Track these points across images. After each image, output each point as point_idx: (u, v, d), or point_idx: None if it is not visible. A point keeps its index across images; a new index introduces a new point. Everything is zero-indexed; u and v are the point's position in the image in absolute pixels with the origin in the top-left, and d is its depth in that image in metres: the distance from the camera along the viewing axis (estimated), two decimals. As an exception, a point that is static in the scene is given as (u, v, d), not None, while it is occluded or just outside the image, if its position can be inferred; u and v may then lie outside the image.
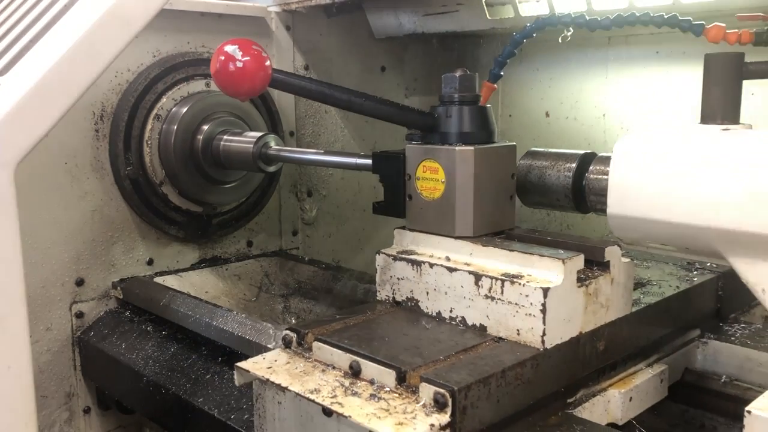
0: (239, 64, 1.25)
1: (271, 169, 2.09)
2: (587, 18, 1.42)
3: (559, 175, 1.42)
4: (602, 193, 1.32)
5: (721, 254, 1.17)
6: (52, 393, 2.06)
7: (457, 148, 1.36)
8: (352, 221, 2.78)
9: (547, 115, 2.70)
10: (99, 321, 2.10)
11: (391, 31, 2.67)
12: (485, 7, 2.31)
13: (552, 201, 1.45)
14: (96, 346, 2.01)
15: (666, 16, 1.33)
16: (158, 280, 2.17)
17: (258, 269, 2.43)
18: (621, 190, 1.24)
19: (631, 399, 1.36)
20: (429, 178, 1.40)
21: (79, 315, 2.07)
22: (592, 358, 1.31)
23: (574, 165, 1.41)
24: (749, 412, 0.98)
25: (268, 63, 1.28)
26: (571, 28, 1.47)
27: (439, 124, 1.41)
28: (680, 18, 1.32)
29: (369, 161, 1.62)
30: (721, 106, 1.24)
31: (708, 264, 1.71)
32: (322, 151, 2.03)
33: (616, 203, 1.25)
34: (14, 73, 1.10)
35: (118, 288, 2.11)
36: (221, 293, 2.30)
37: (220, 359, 1.74)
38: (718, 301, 1.67)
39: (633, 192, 1.22)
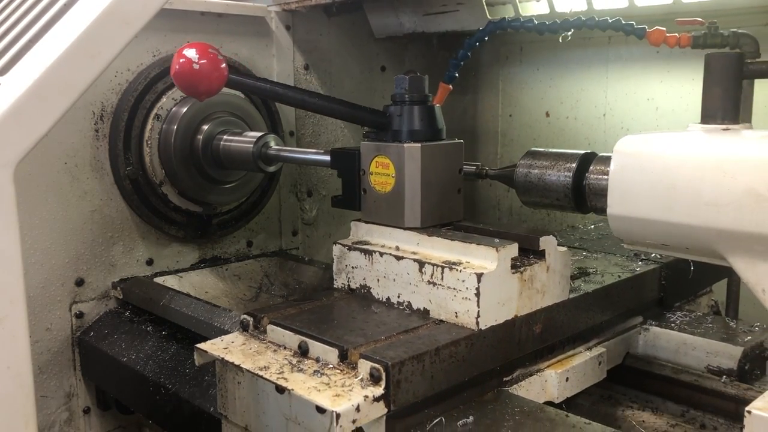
0: (196, 66, 1.36)
1: (271, 169, 2.09)
2: (535, 22, 1.46)
3: (559, 175, 1.42)
4: (602, 193, 1.32)
5: (721, 254, 1.17)
6: (52, 393, 2.06)
7: (405, 144, 1.45)
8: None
9: (547, 115, 2.70)
10: (99, 321, 2.09)
11: (391, 30, 2.67)
12: (485, 6, 2.31)
13: (552, 201, 1.45)
14: (96, 346, 2.01)
15: (610, 20, 1.38)
16: (158, 280, 2.17)
17: (258, 269, 2.43)
18: (621, 190, 1.24)
19: (567, 379, 1.45)
20: (381, 173, 1.49)
21: (79, 315, 2.07)
22: (528, 340, 1.39)
23: (574, 165, 1.41)
24: (749, 412, 0.98)
25: (223, 66, 1.39)
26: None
27: (391, 123, 1.50)
28: (624, 22, 1.36)
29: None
30: (721, 106, 1.24)
31: (653, 255, 1.76)
32: (322, 151, 2.02)
33: (616, 203, 1.25)
34: (14, 73, 1.10)
35: (118, 288, 2.11)
36: (221, 293, 2.30)
37: (220, 359, 1.74)
38: (661, 290, 1.74)
39: (633, 192, 1.22)
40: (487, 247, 1.31)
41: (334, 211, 2.73)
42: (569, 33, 1.51)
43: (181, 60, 1.37)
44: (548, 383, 1.43)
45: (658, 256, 1.76)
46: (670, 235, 1.21)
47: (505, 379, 1.37)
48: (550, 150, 1.49)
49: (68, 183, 2.01)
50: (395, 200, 1.47)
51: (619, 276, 1.63)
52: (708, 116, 1.26)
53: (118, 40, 1.13)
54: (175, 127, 2.09)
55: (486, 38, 1.53)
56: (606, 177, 1.30)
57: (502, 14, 2.31)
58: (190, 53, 1.36)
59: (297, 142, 2.55)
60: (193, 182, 2.16)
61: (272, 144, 2.03)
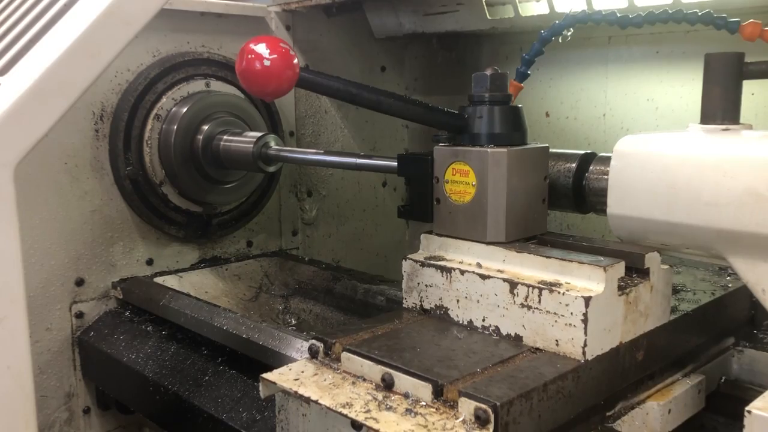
0: (266, 63, 1.19)
1: (271, 169, 2.09)
2: (618, 15, 1.38)
3: (559, 175, 1.42)
4: (602, 193, 1.32)
5: (721, 254, 1.17)
6: (52, 393, 2.06)
7: (489, 149, 1.30)
8: (352, 221, 2.78)
9: (547, 115, 2.70)
10: (99, 321, 2.09)
11: (391, 31, 2.67)
12: (485, 6, 2.31)
13: (552, 201, 1.45)
14: (96, 346, 2.01)
15: (700, 13, 1.31)
16: (158, 280, 2.17)
17: (258, 269, 2.43)
18: (621, 190, 1.24)
19: (669, 411, 1.31)
20: (459, 181, 1.34)
21: (79, 315, 2.07)
22: (631, 369, 1.27)
23: (574, 165, 1.41)
24: (749, 412, 0.98)
25: (296, 62, 1.23)
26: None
27: (469, 125, 1.36)
28: (715, 15, 1.30)
29: (368, 161, 1.61)
30: (721, 106, 1.24)
31: None
32: (322, 151, 2.03)
33: (616, 203, 1.25)
34: (14, 73, 1.10)
35: (118, 288, 2.11)
36: (221, 293, 2.30)
37: (219, 359, 1.74)
38: (752, 308, 1.62)
39: (633, 192, 1.22)
40: (593, 266, 1.17)
41: (334, 211, 2.73)
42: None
43: (249, 56, 1.19)
44: (650, 416, 1.29)
45: None
46: (670, 234, 1.21)
47: (607, 414, 1.24)
48: (550, 150, 1.48)
49: (68, 183, 2.01)
50: (476, 211, 1.32)
51: (713, 293, 1.51)
52: (708, 116, 1.25)
53: (118, 40, 1.13)
54: (175, 127, 2.09)
55: (563, 32, 1.45)
56: (606, 177, 1.30)
57: (502, 14, 2.30)
58: (260, 48, 1.19)
59: (297, 142, 2.55)
60: (193, 182, 2.16)
61: (272, 144, 2.03)
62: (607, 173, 1.29)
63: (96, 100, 2.04)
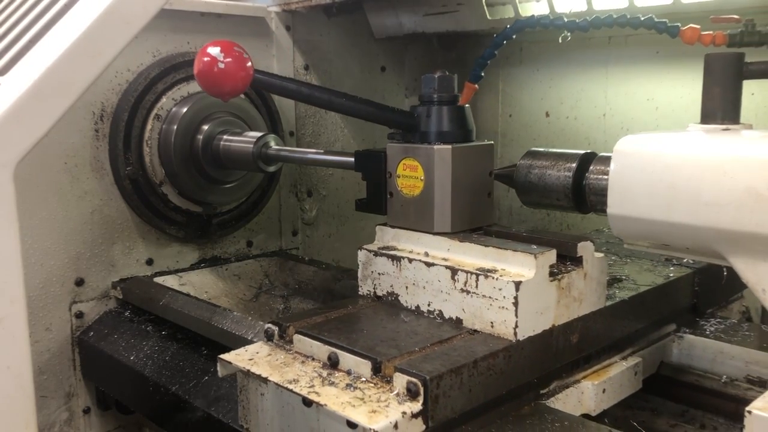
0: (221, 66, 1.30)
1: (271, 169, 2.09)
2: (565, 20, 1.44)
3: (559, 175, 1.42)
4: (602, 193, 1.32)
5: (721, 254, 1.17)
6: (52, 393, 2.06)
7: (435, 146, 1.40)
8: (352, 221, 2.78)
9: (547, 115, 2.70)
10: (99, 321, 2.10)
11: (391, 31, 2.67)
12: (485, 6, 2.31)
13: (552, 201, 1.45)
14: (96, 346, 2.01)
15: (642, 18, 1.35)
16: (158, 280, 2.16)
17: (258, 269, 2.43)
18: (621, 190, 1.24)
19: (604, 390, 1.40)
20: (409, 175, 1.44)
21: (79, 315, 2.07)
22: (566, 351, 1.35)
23: (574, 165, 1.41)
24: (749, 412, 0.98)
25: (249, 64, 1.33)
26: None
27: (419, 124, 1.45)
28: (656, 20, 1.34)
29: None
30: (721, 106, 1.24)
31: (685, 260, 1.74)
32: (322, 151, 2.03)
33: (616, 203, 1.25)
34: (14, 73, 1.10)
35: (118, 288, 2.11)
36: (221, 293, 2.30)
37: (220, 359, 1.74)
38: (694, 297, 1.71)
39: (633, 192, 1.22)
40: (525, 254, 1.26)
41: (334, 211, 2.73)
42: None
43: (204, 59, 1.30)
44: (585, 395, 1.38)
45: (691, 261, 1.72)
46: (670, 235, 1.21)
47: (542, 391, 1.32)
48: (550, 150, 1.48)
49: (68, 183, 2.01)
50: (424, 204, 1.42)
51: (653, 282, 1.58)
52: (708, 116, 1.26)
53: (118, 40, 1.13)
54: (175, 127, 2.09)
55: (513, 36, 1.50)
56: (606, 177, 1.30)
57: (502, 14, 2.31)
58: (215, 51, 1.30)
59: (297, 142, 2.55)
60: (193, 182, 2.16)
61: (272, 144, 2.04)
62: (607, 173, 1.29)
63: (96, 100, 2.04)
